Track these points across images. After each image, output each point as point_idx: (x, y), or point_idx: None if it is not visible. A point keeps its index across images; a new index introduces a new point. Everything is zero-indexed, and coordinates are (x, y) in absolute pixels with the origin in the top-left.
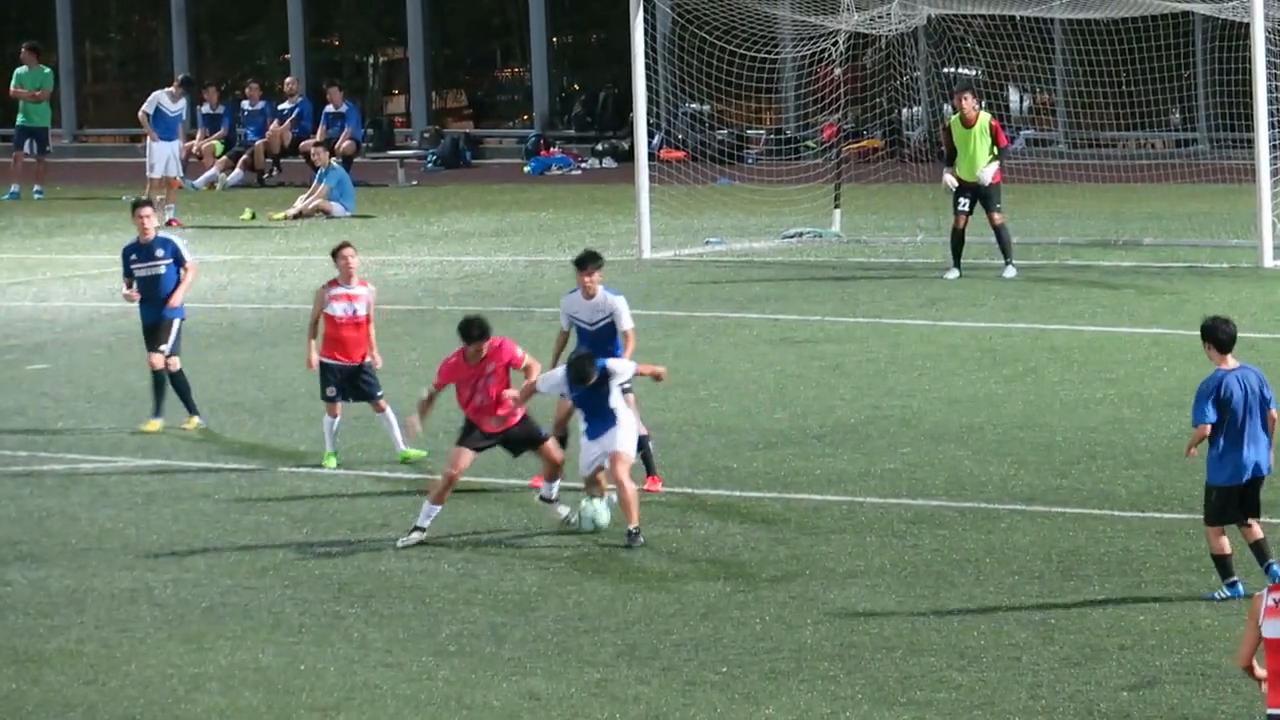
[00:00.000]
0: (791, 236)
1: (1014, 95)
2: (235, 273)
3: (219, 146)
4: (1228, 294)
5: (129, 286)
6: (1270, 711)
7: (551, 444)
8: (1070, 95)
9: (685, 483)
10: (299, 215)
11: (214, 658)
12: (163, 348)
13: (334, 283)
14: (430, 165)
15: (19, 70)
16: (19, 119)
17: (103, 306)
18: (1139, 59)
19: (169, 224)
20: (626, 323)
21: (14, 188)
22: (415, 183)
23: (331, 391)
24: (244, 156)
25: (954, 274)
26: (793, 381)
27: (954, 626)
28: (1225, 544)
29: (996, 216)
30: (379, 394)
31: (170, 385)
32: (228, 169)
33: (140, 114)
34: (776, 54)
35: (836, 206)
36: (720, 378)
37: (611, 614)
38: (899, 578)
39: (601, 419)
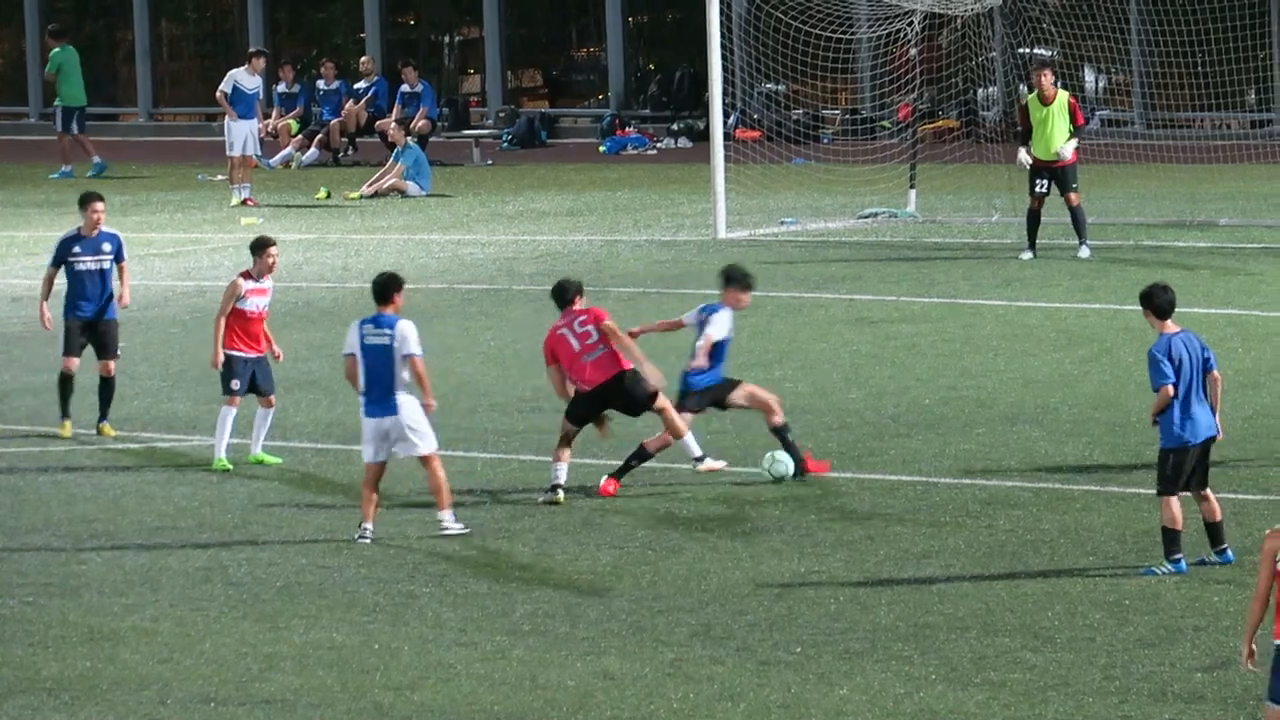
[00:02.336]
0: (867, 216)
1: (1090, 75)
2: (310, 251)
3: (295, 125)
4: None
5: (51, 280)
6: (1276, 642)
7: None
8: (1146, 75)
9: (756, 464)
10: (374, 194)
11: (288, 636)
12: (119, 353)
13: (248, 275)
14: (506, 145)
15: (53, 52)
16: (56, 100)
17: (178, 285)
18: (1215, 39)
19: (244, 202)
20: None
21: (66, 166)
22: (491, 162)
23: (237, 385)
24: (319, 135)
25: (1029, 255)
26: (868, 361)
27: (1028, 607)
28: (1179, 517)
29: (1073, 196)
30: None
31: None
32: (303, 148)
33: (218, 94)
34: (852, 34)
35: (912, 186)
36: (795, 357)
37: (686, 594)
38: (973, 558)
39: None
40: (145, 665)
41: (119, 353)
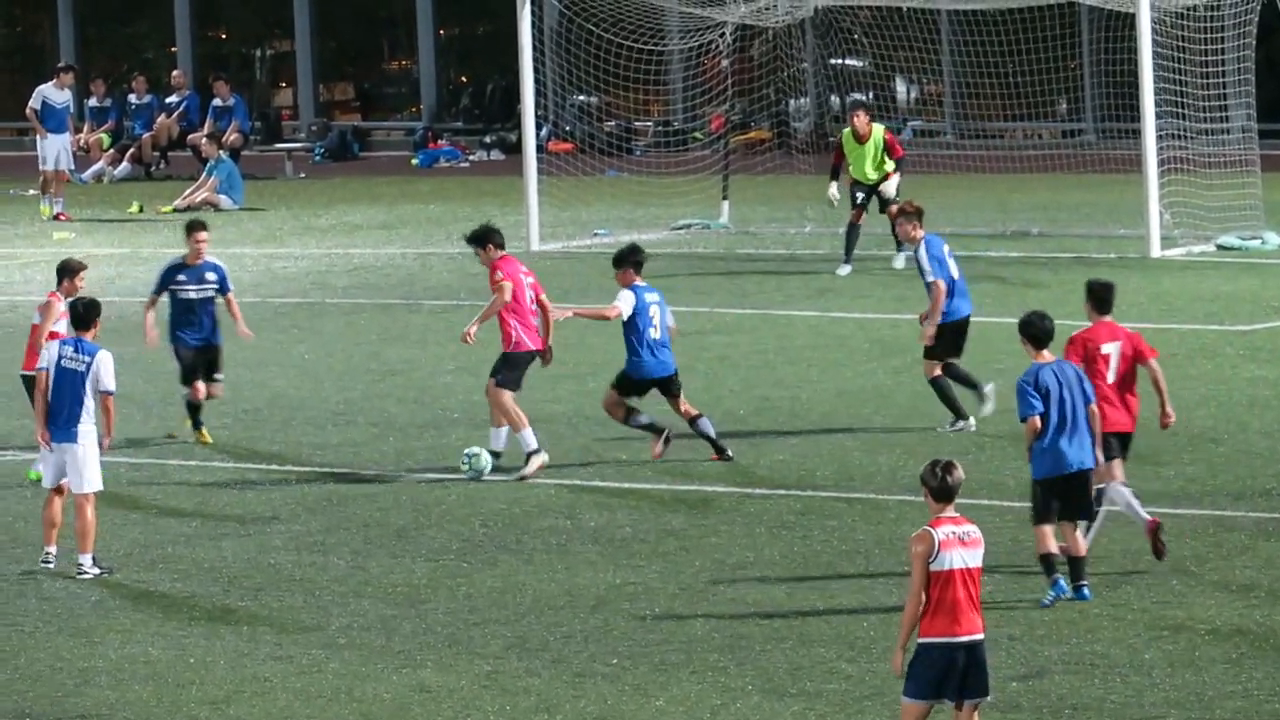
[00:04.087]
0: (680, 228)
1: (901, 86)
2: (123, 266)
3: (106, 139)
4: (1115, 284)
5: (153, 304)
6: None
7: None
8: (957, 85)
9: (573, 474)
10: (188, 208)
11: (104, 651)
12: (217, 376)
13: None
14: (318, 158)
15: None
16: None
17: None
18: (1026, 49)
19: (57, 217)
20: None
21: None
22: (303, 175)
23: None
24: (132, 149)
25: (847, 269)
26: (681, 373)
27: (843, 618)
28: (1052, 544)
29: (894, 208)
30: None
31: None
32: (115, 162)
33: (28, 110)
34: (664, 45)
35: (725, 198)
36: (608, 370)
37: (501, 606)
38: (788, 569)
39: None
40: None
41: (219, 378)
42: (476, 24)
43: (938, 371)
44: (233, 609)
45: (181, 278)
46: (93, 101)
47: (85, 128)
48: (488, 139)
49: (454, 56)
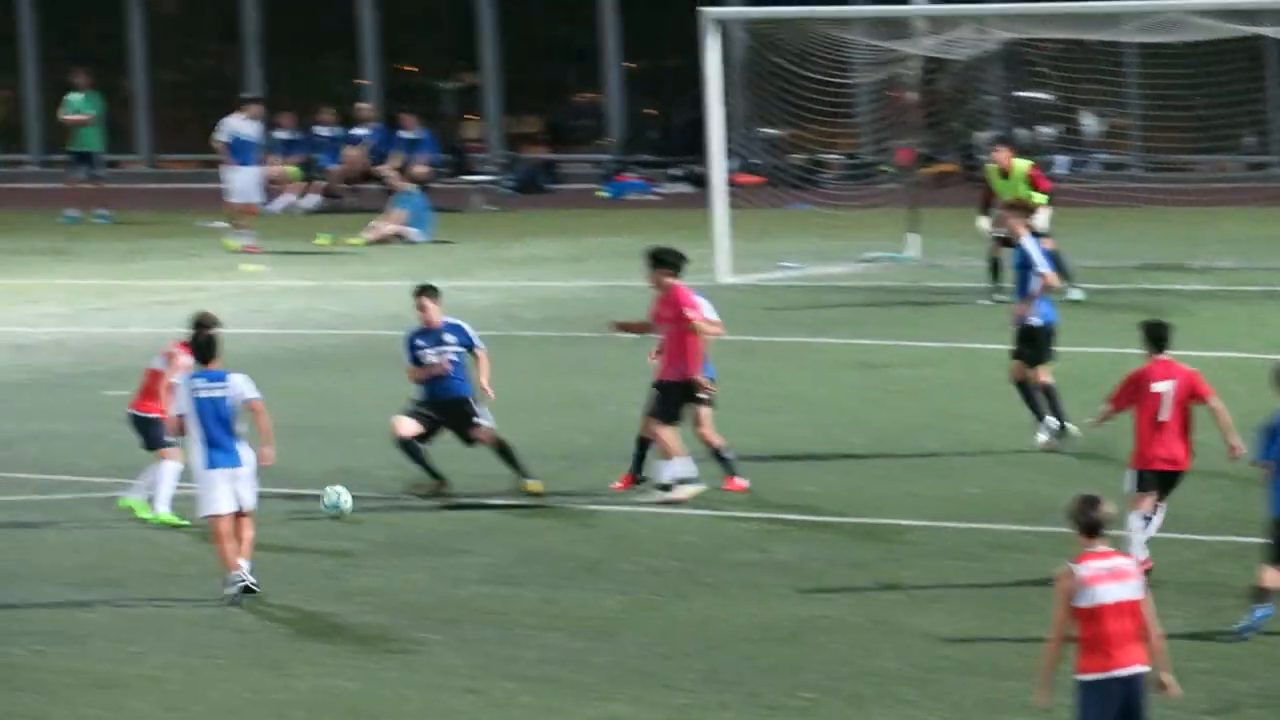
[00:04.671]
0: (867, 261)
1: (1087, 119)
2: (312, 298)
3: (295, 172)
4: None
5: (412, 375)
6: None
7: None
8: (1144, 118)
9: (766, 507)
10: (376, 240)
11: (296, 684)
12: (479, 420)
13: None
14: (506, 191)
15: (70, 96)
16: (72, 144)
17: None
18: (1212, 82)
19: (246, 250)
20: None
21: (72, 212)
22: (492, 208)
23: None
24: (320, 182)
25: (987, 302)
26: (870, 406)
27: (1035, 650)
28: (1272, 580)
29: (1046, 243)
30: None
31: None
32: (304, 194)
33: (216, 143)
34: (851, 78)
35: (912, 230)
36: (798, 402)
37: (694, 639)
38: (980, 602)
39: None
40: (154, 714)
41: (478, 419)
42: (664, 57)
43: (1032, 376)
44: (425, 641)
45: (420, 343)
46: (281, 134)
47: (274, 160)
48: (676, 172)
49: (642, 89)
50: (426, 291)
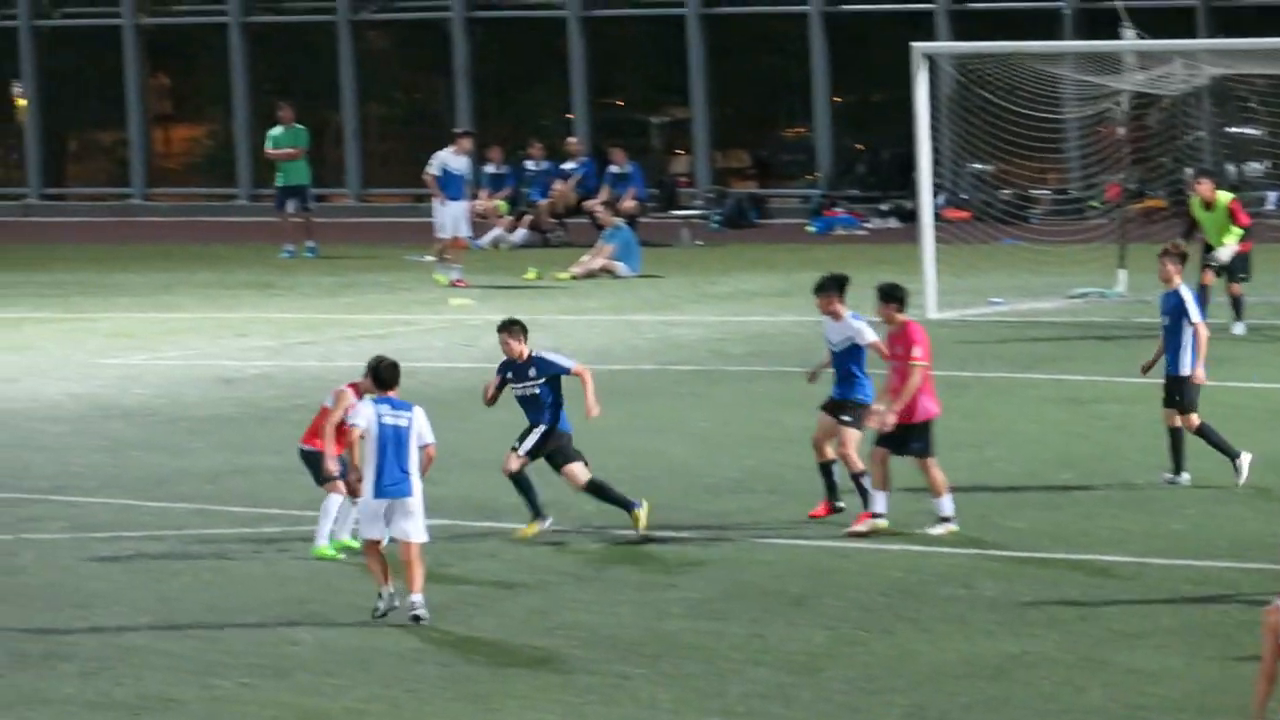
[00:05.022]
0: (1076, 296)
1: None
2: None
3: (504, 206)
4: None
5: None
6: None
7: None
8: None
9: (972, 543)
10: (584, 275)
11: (501, 718)
12: (518, 447)
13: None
14: (714, 225)
15: (273, 131)
16: (278, 179)
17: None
18: None
19: (454, 283)
20: (868, 337)
21: (289, 247)
22: (700, 242)
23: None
24: (528, 216)
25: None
26: (1078, 441)
27: (1242, 688)
28: None
29: (1235, 287)
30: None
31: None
32: (512, 228)
33: (426, 176)
34: (1060, 113)
35: (1121, 266)
36: (1006, 438)
37: (899, 674)
38: (1187, 639)
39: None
40: None
41: (573, 457)
42: (872, 91)
43: (1197, 421)
44: (629, 675)
45: (508, 374)
46: (490, 168)
47: (483, 194)
48: (884, 206)
49: (850, 123)
50: (505, 328)
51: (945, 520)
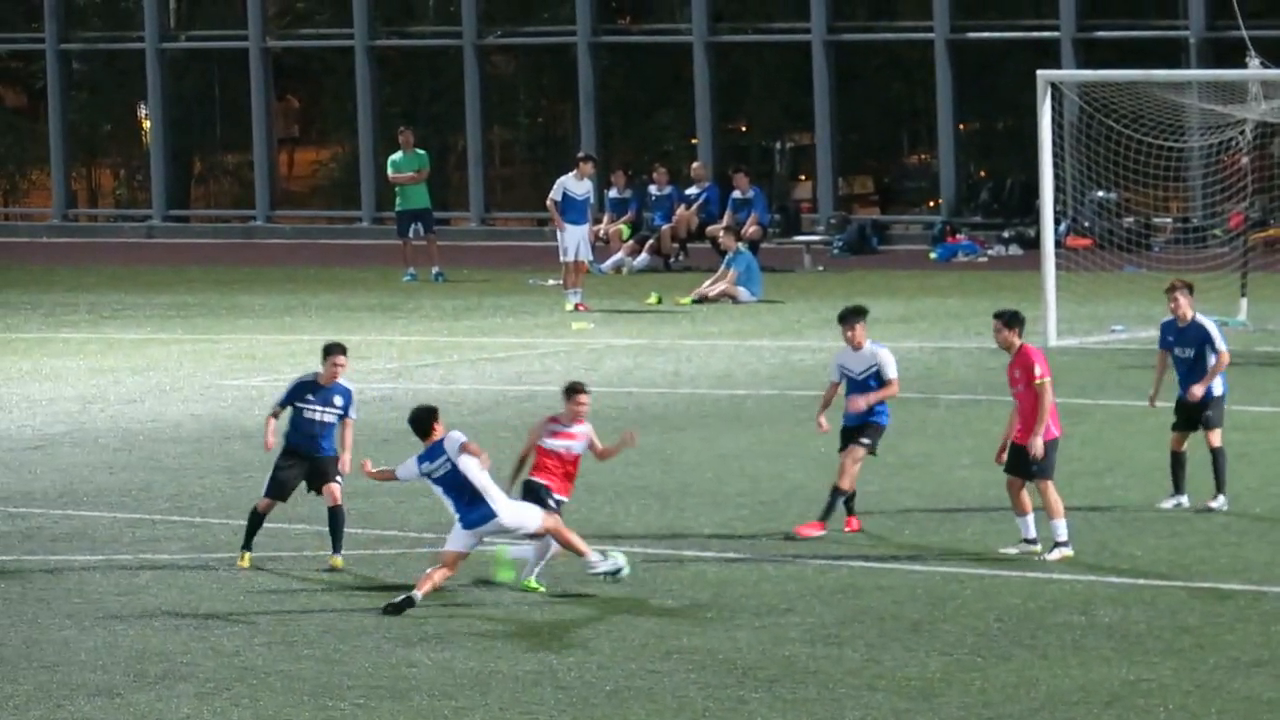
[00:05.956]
0: None
1: None
2: (641, 356)
3: (626, 230)
4: None
5: (276, 416)
6: None
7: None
8: None
9: (1090, 570)
10: (706, 300)
11: None
12: (338, 479)
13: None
14: (837, 251)
15: (394, 156)
16: (398, 203)
17: (509, 390)
18: None
19: (576, 308)
20: (890, 372)
21: (411, 270)
22: (822, 269)
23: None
24: (651, 241)
25: None
26: (1197, 470)
27: None
28: None
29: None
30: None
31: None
32: (634, 253)
33: (548, 203)
34: (1184, 142)
35: (1243, 295)
36: (1126, 466)
37: (1015, 701)
38: None
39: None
40: None
41: (339, 479)
42: (996, 119)
43: (1218, 443)
44: (746, 700)
45: (310, 397)
46: (613, 192)
47: (605, 218)
48: (1006, 234)
49: (973, 151)
50: (343, 350)
51: (1060, 545)
